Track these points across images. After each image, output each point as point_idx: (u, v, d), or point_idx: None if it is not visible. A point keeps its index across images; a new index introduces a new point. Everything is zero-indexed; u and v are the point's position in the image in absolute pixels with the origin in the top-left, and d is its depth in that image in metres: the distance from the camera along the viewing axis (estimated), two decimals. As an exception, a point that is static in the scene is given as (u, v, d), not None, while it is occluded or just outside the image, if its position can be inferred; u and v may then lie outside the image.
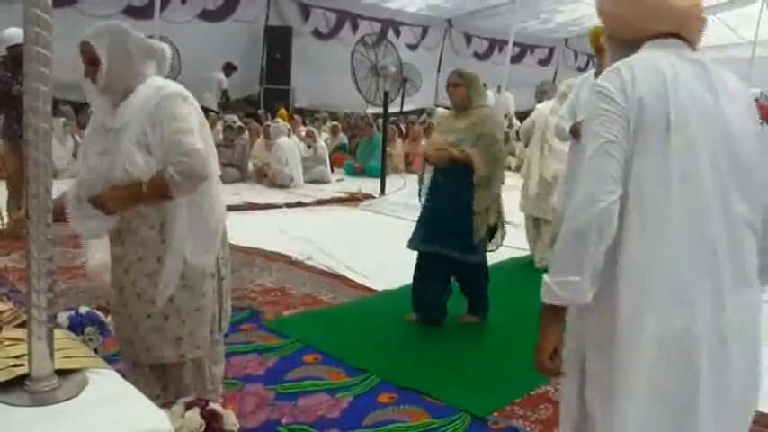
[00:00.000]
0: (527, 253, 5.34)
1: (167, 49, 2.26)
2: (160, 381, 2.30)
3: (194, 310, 2.18)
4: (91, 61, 2.08)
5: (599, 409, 1.53)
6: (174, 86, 2.14)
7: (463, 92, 3.71)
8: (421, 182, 3.96)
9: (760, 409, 2.82)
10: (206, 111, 3.67)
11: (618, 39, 1.63)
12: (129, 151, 2.04)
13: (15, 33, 5.04)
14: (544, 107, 5.42)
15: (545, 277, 1.48)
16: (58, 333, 1.31)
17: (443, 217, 3.72)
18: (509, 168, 8.34)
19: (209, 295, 2.21)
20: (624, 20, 1.59)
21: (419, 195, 3.96)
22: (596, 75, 3.73)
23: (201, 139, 2.13)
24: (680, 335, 1.43)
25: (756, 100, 8.99)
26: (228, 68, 12.07)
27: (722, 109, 1.47)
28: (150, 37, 2.28)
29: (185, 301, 2.16)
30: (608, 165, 1.42)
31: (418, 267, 3.89)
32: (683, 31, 1.55)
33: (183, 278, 2.14)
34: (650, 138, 1.43)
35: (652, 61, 1.49)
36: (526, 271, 5.01)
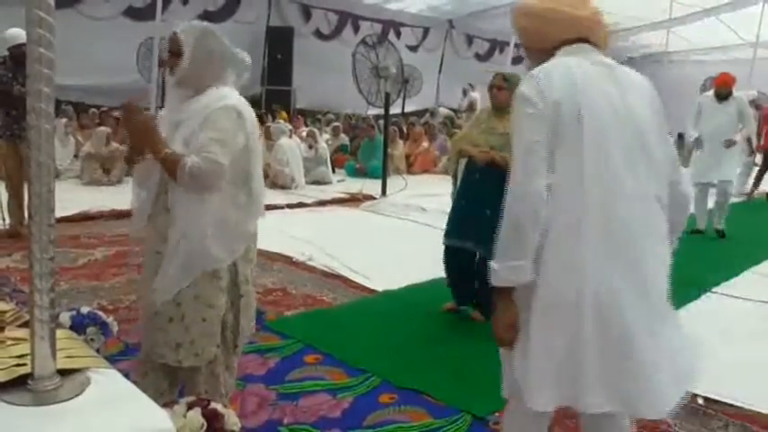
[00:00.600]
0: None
1: (248, 60, 2.31)
2: (168, 377, 2.31)
3: (201, 320, 2.16)
4: (174, 53, 2.14)
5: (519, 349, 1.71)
6: (235, 101, 2.17)
7: (506, 95, 3.73)
8: (455, 178, 4.00)
9: (759, 410, 2.85)
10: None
11: (534, 49, 1.83)
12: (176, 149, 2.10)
13: (17, 33, 5.05)
14: None
15: (493, 264, 1.68)
16: (60, 333, 1.31)
17: (479, 216, 3.71)
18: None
19: (219, 309, 2.19)
20: (536, 32, 1.80)
21: (453, 192, 4.01)
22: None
23: (246, 155, 2.15)
24: (600, 300, 1.60)
25: (753, 102, 8.98)
26: (229, 69, 12.05)
27: (628, 102, 1.69)
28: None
29: (192, 310, 2.15)
30: (535, 161, 1.62)
31: (449, 260, 3.97)
32: (590, 36, 1.76)
33: (194, 287, 2.14)
34: (566, 131, 1.63)
35: (564, 65, 1.69)
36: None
